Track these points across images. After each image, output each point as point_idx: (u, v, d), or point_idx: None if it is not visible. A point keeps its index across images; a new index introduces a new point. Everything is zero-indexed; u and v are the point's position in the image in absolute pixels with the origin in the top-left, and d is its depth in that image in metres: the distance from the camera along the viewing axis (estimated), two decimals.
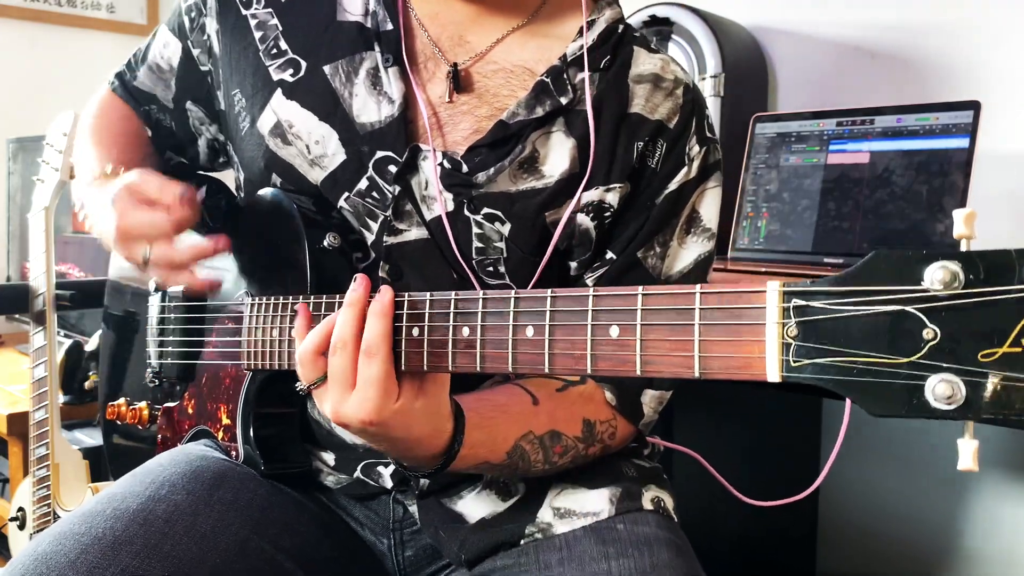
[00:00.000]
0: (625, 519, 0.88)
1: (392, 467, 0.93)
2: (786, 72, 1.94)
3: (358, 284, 0.72)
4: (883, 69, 1.79)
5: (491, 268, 0.92)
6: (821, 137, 1.60)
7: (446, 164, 0.90)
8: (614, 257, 0.94)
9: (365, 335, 0.70)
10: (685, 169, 0.94)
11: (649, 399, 0.94)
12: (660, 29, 1.82)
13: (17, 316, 2.43)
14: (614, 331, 0.59)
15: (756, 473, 1.57)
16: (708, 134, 0.97)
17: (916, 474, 1.80)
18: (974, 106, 1.43)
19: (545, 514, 0.90)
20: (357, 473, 0.95)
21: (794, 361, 0.51)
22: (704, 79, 1.77)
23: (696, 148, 0.95)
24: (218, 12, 1.00)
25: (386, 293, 0.71)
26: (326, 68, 0.94)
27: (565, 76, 0.92)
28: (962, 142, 1.43)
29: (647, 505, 0.91)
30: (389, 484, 0.94)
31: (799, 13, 1.90)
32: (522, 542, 0.89)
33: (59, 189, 1.56)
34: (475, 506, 0.93)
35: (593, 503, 0.90)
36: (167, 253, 0.87)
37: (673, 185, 0.94)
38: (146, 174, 0.90)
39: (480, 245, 0.91)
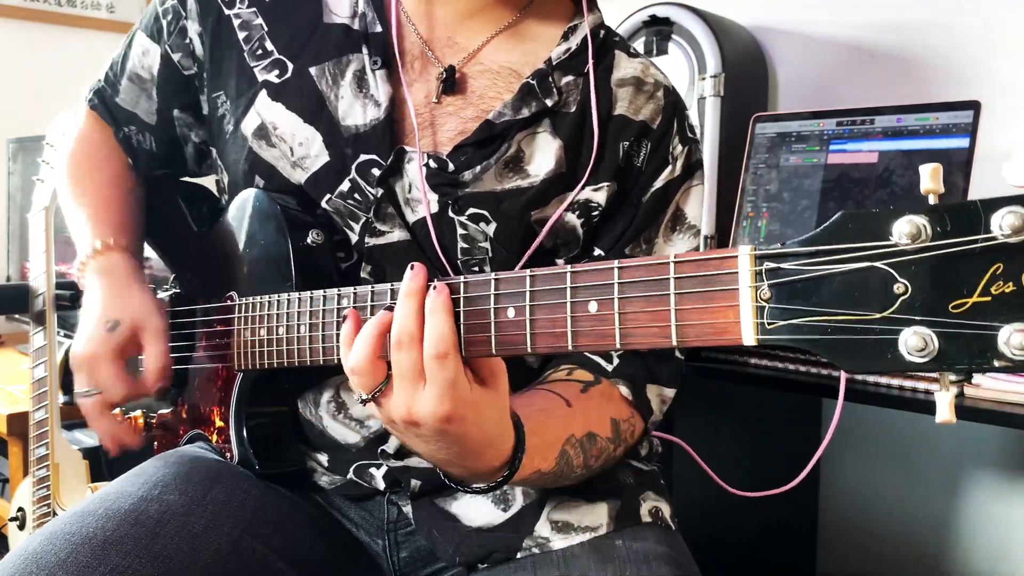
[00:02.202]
0: (624, 534, 0.88)
1: (384, 468, 0.93)
2: (786, 72, 1.93)
3: (416, 273, 0.67)
4: (883, 69, 1.78)
5: (476, 268, 0.92)
6: (821, 137, 1.60)
7: (432, 164, 0.90)
8: (603, 254, 0.94)
9: (429, 333, 0.66)
10: (670, 168, 0.95)
11: (654, 395, 0.93)
12: (660, 29, 1.81)
13: (17, 316, 2.43)
14: (592, 306, 0.60)
15: (756, 473, 1.56)
16: (689, 134, 0.98)
17: (915, 474, 1.80)
18: (974, 106, 1.42)
19: (543, 528, 0.89)
20: (350, 474, 0.95)
21: (768, 323, 0.52)
22: (704, 79, 1.76)
23: (679, 147, 0.96)
24: (199, 14, 0.99)
25: (442, 287, 0.67)
26: (312, 70, 0.94)
27: (550, 79, 0.92)
28: (962, 142, 1.43)
29: (645, 518, 0.91)
30: (381, 485, 0.94)
31: (799, 13, 1.90)
32: (519, 555, 0.88)
33: None
34: (470, 509, 0.92)
35: (591, 517, 0.89)
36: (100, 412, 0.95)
37: (659, 183, 0.95)
38: (156, 344, 0.95)
39: (465, 246, 0.91)
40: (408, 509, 0.94)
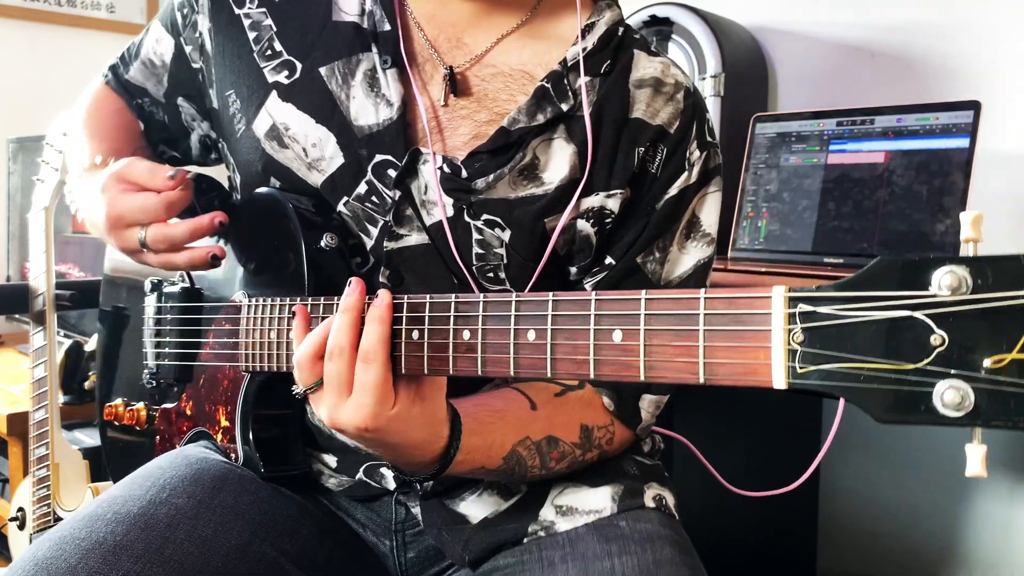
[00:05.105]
0: (627, 516, 0.88)
1: None
2: (786, 72, 1.94)
3: (353, 288, 0.72)
4: (883, 69, 1.79)
5: (491, 274, 0.92)
6: (821, 137, 1.60)
7: (445, 168, 0.90)
8: (613, 262, 0.93)
9: (363, 340, 0.70)
10: (686, 174, 0.93)
11: (647, 403, 0.94)
12: (660, 29, 1.82)
13: (17, 316, 2.43)
14: (617, 336, 0.58)
15: (756, 473, 1.57)
16: (709, 138, 0.96)
17: (916, 474, 1.80)
18: (974, 106, 1.43)
19: (547, 512, 0.89)
20: (359, 475, 0.95)
21: (800, 367, 0.50)
22: (704, 79, 1.77)
23: (697, 153, 0.94)
24: (211, 10, 0.99)
25: (384, 297, 0.71)
26: (322, 70, 0.93)
27: (565, 81, 0.91)
28: (962, 142, 1.43)
29: (649, 503, 0.91)
30: (392, 486, 0.94)
31: (799, 13, 1.90)
32: (525, 540, 0.88)
33: (59, 189, 1.56)
34: (477, 507, 0.92)
35: (595, 501, 0.90)
36: (163, 232, 0.86)
37: (674, 190, 0.93)
38: (135, 160, 0.89)
39: (480, 251, 0.91)
40: (416, 510, 0.94)
